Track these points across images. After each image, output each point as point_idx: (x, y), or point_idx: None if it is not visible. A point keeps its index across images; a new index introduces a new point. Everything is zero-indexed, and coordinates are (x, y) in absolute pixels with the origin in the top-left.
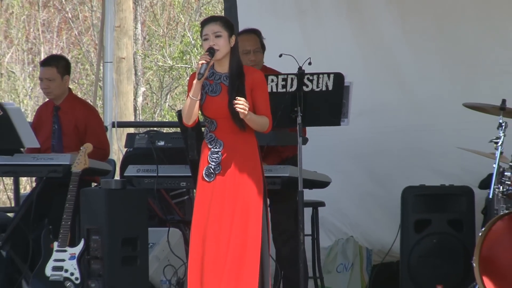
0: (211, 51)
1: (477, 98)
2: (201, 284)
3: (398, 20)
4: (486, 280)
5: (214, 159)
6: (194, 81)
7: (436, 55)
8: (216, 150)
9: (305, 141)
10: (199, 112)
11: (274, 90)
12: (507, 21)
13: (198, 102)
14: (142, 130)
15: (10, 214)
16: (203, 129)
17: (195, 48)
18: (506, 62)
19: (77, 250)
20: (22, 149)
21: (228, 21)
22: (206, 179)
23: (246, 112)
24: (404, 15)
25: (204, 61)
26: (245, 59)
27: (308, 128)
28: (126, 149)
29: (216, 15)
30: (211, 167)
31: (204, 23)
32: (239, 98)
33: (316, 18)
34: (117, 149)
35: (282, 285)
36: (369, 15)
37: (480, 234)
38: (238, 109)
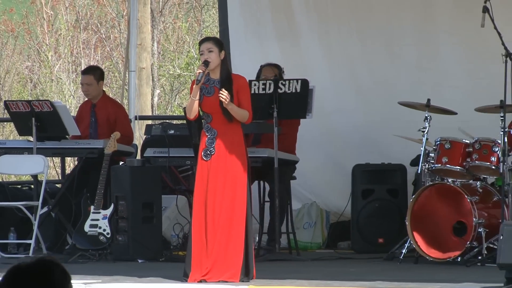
0: (206, 63)
1: (410, 98)
2: (205, 237)
3: (358, 43)
4: (415, 234)
5: (210, 144)
6: (194, 86)
7: (385, 68)
8: (211, 136)
9: (279, 130)
10: (199, 108)
11: (256, 92)
12: (438, 37)
13: (197, 101)
14: (157, 122)
15: (58, 185)
16: (202, 121)
17: (197, 61)
18: (431, 72)
19: (108, 212)
20: (67, 136)
21: (219, 40)
22: (204, 158)
23: (227, 101)
24: (362, 39)
25: (201, 71)
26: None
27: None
28: (145, 136)
29: (209, 36)
30: (208, 149)
31: (201, 42)
32: (223, 90)
33: (292, 39)
34: (138, 136)
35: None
36: (336, 39)
37: (411, 200)
38: (221, 98)
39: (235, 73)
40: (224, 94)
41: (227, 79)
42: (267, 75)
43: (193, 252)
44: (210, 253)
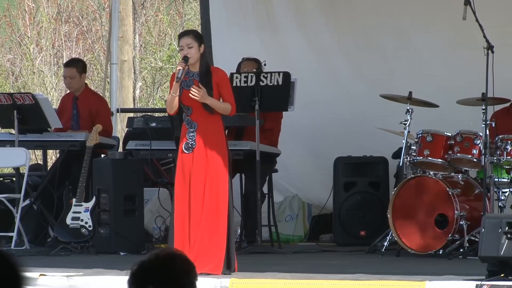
0: (185, 59)
1: (392, 91)
2: (188, 230)
3: (335, 34)
4: (397, 227)
5: (191, 137)
6: (174, 83)
7: (364, 61)
8: (192, 130)
9: (261, 122)
10: (179, 101)
11: (238, 84)
12: (414, 34)
13: (177, 97)
14: (139, 114)
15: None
16: (183, 114)
17: (178, 54)
18: (412, 64)
19: (90, 204)
20: (49, 128)
21: (198, 33)
22: (186, 151)
23: (199, 97)
24: (339, 30)
25: (180, 68)
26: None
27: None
28: (127, 128)
29: (188, 29)
30: (189, 142)
31: (180, 36)
32: (193, 87)
33: (272, 31)
34: (120, 129)
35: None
36: (314, 30)
37: (393, 192)
38: (193, 96)
39: (215, 66)
40: (195, 91)
41: (207, 72)
42: (246, 69)
43: (175, 245)
44: (193, 246)
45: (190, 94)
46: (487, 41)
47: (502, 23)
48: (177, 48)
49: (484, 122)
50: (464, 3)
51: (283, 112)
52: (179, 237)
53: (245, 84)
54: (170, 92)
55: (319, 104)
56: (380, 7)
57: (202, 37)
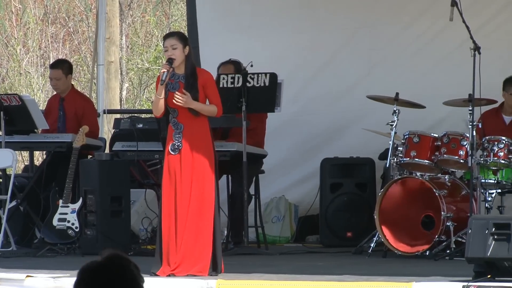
0: (170, 61)
1: (378, 92)
2: (175, 230)
3: (316, 33)
4: (384, 228)
5: (177, 138)
6: (159, 85)
7: (346, 60)
8: (178, 131)
9: (248, 123)
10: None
11: (225, 86)
12: (401, 35)
13: (163, 100)
14: (125, 116)
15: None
16: (170, 115)
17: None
18: (399, 65)
19: (77, 205)
20: (36, 130)
21: (183, 35)
22: (172, 152)
23: (182, 103)
24: (319, 29)
25: (165, 70)
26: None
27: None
28: (114, 130)
29: (173, 31)
30: (175, 143)
31: (164, 38)
32: (177, 93)
33: (257, 31)
34: (107, 130)
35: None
36: (294, 29)
37: (379, 194)
38: (177, 103)
39: (201, 68)
40: (179, 98)
41: (192, 74)
42: (224, 72)
43: (163, 246)
44: (179, 248)
45: (174, 101)
46: (474, 42)
47: (489, 24)
48: (163, 50)
49: (471, 123)
50: (451, 4)
51: (270, 113)
52: (165, 239)
53: (232, 85)
54: (155, 94)
55: (307, 105)
56: (366, 6)
57: (187, 39)
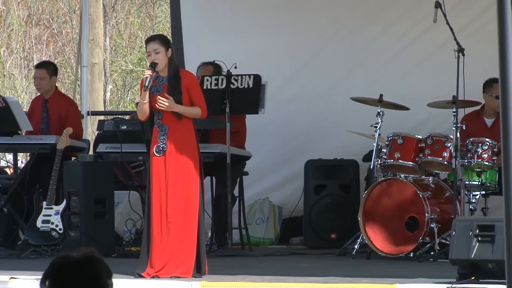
0: (153, 65)
1: (362, 93)
2: (161, 231)
3: (297, 33)
4: (368, 230)
5: (161, 140)
6: (143, 90)
7: (328, 61)
8: (163, 133)
9: (231, 125)
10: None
11: (209, 87)
12: (385, 36)
13: (147, 104)
14: (109, 117)
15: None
16: (154, 117)
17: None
18: (382, 67)
19: (60, 207)
20: (19, 131)
21: (165, 38)
22: (157, 154)
23: (165, 107)
24: (300, 30)
25: (148, 75)
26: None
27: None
28: (97, 131)
29: (155, 34)
30: (160, 145)
31: (146, 42)
32: (159, 98)
33: (239, 32)
34: (91, 132)
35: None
36: (275, 30)
37: (363, 195)
38: (160, 107)
39: (185, 69)
40: (162, 102)
41: (175, 77)
42: (202, 74)
43: (152, 248)
44: (164, 250)
45: (156, 105)
46: (458, 44)
47: (471, 25)
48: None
49: (455, 125)
50: (435, 6)
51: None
52: (157, 240)
53: (216, 87)
54: (139, 97)
55: (290, 106)
56: (347, 7)
57: (169, 41)
